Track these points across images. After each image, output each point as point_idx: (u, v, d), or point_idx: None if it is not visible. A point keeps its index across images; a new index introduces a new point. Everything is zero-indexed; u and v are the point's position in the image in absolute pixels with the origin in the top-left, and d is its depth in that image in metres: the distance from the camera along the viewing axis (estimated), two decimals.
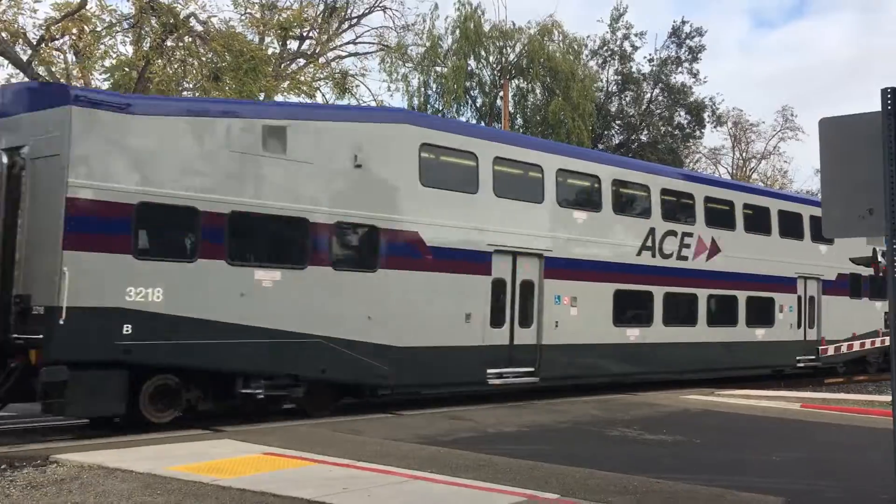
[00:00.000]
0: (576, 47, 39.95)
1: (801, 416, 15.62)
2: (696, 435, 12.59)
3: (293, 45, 35.69)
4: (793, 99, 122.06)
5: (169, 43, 28.56)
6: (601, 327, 18.36)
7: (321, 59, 35.78)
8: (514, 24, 39.09)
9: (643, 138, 44.43)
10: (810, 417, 15.35)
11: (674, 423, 13.80)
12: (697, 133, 45.66)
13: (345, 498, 7.59)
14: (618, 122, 44.84)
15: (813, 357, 24.18)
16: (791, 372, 24.21)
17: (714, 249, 21.10)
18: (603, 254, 18.51)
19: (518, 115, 39.62)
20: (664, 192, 20.20)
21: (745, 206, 22.49)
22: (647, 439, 12.06)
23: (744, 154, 59.08)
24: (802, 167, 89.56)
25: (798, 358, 23.82)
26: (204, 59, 29.54)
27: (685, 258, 20.37)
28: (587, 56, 42.64)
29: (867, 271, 23.77)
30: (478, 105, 40.49)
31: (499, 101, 39.20)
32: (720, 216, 21.65)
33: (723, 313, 21.59)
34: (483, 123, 39.32)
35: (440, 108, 37.41)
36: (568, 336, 17.51)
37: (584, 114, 36.89)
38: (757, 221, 22.68)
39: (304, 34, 35.63)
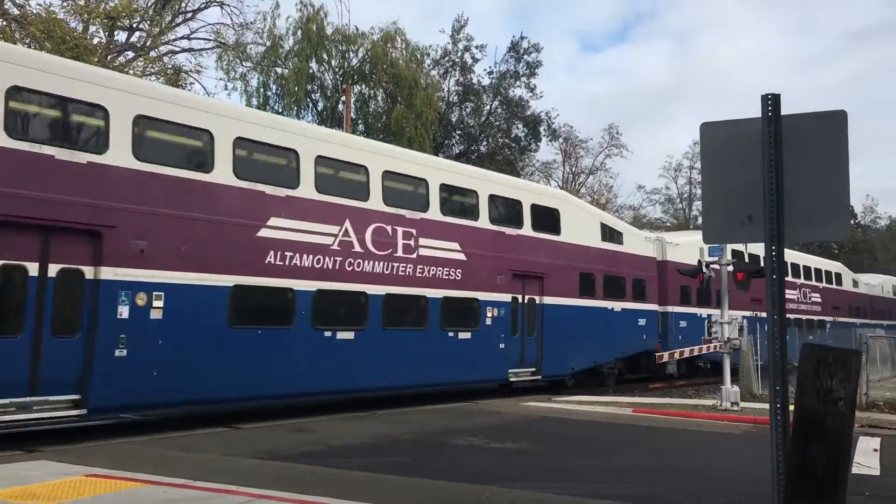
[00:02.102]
0: (418, 56, 40.09)
1: (634, 420, 16.20)
2: (539, 442, 12.70)
3: (121, 36, 33.61)
4: (615, 118, 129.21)
5: None
6: None
7: (152, 53, 33.84)
8: (357, 29, 38.73)
9: (482, 149, 45.26)
10: (642, 422, 15.94)
11: (517, 431, 13.90)
12: (533, 146, 47.08)
13: None
14: (458, 132, 45.44)
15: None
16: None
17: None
18: None
19: (360, 121, 39.23)
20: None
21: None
22: (494, 448, 12.02)
23: (573, 169, 61.57)
24: (626, 183, 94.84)
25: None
26: (20, 45, 27.11)
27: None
28: (429, 65, 42.97)
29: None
30: (319, 109, 39.77)
31: (340, 106, 38.68)
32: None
33: None
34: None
35: (280, 110, 36.35)
36: None
37: (427, 122, 37.03)
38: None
39: (134, 25, 33.60)
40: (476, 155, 44.61)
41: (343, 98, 36.97)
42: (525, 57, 45.30)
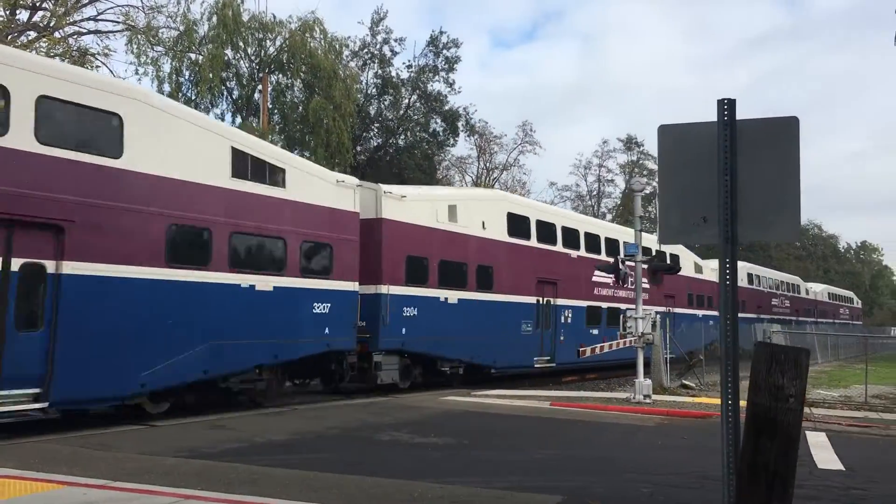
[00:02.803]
0: (337, 47, 39.61)
1: (552, 413, 16.48)
2: (463, 436, 12.76)
3: (23, 15, 32.00)
4: (525, 115, 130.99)
5: None
6: None
7: (57, 34, 32.34)
8: (274, 17, 38.00)
9: (401, 143, 45.14)
10: (561, 415, 16.23)
11: (440, 426, 13.93)
12: (451, 141, 47.21)
13: None
14: (376, 124, 45.19)
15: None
16: None
17: None
18: None
19: (276, 111, 38.53)
20: None
21: None
22: (419, 443, 12.02)
23: (488, 164, 62.04)
24: (538, 179, 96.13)
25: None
26: None
27: None
28: (348, 57, 42.58)
29: None
30: (234, 97, 38.86)
31: (257, 95, 37.89)
32: None
33: None
34: (239, 117, 37.82)
35: (193, 97, 35.35)
36: None
37: (346, 114, 36.66)
38: None
39: (37, 4, 32.06)
40: (394, 148, 44.47)
41: (259, 87, 36.26)
42: (444, 52, 45.42)
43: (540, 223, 25.74)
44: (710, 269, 38.25)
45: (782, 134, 4.70)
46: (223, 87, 37.65)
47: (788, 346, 4.35)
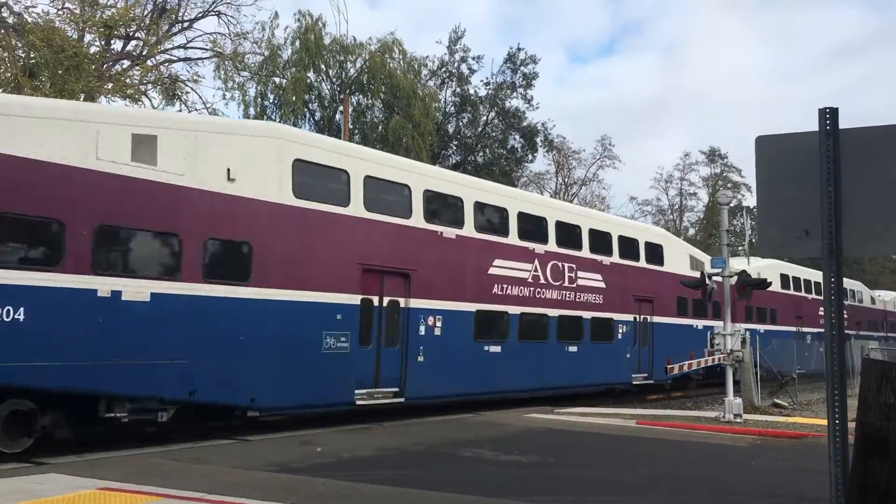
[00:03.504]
0: (416, 66, 40.16)
1: (639, 432, 16.15)
2: (548, 454, 12.62)
3: (117, 45, 33.49)
4: (603, 129, 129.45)
5: None
6: None
7: (149, 62, 33.72)
8: (354, 39, 38.78)
9: (479, 159, 45.31)
10: (648, 434, 15.90)
11: (523, 443, 13.81)
12: (530, 157, 47.15)
13: None
14: (455, 142, 45.50)
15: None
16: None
17: None
18: None
19: (357, 132, 39.22)
20: None
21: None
22: (504, 460, 11.94)
23: (566, 179, 61.67)
24: (618, 194, 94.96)
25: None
26: (19, 52, 27.02)
27: None
28: (426, 76, 43.06)
29: None
30: (316, 119, 39.72)
31: (338, 116, 38.64)
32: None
33: None
34: None
35: (278, 119, 36.29)
36: None
37: (424, 132, 37.07)
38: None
39: (130, 34, 33.51)
40: (472, 165, 44.64)
41: (341, 108, 36.98)
42: (521, 68, 45.48)
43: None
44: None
45: (888, 143, 4.54)
46: (306, 109, 38.55)
47: None
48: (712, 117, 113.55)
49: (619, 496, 9.52)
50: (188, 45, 35.63)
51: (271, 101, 37.43)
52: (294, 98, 35.94)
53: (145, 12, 33.82)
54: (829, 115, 4.57)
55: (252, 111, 36.39)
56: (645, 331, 25.30)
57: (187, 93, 33.85)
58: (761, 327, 32.52)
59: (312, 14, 37.17)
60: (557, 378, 21.46)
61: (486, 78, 46.94)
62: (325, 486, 9.19)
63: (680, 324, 27.04)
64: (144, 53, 33.66)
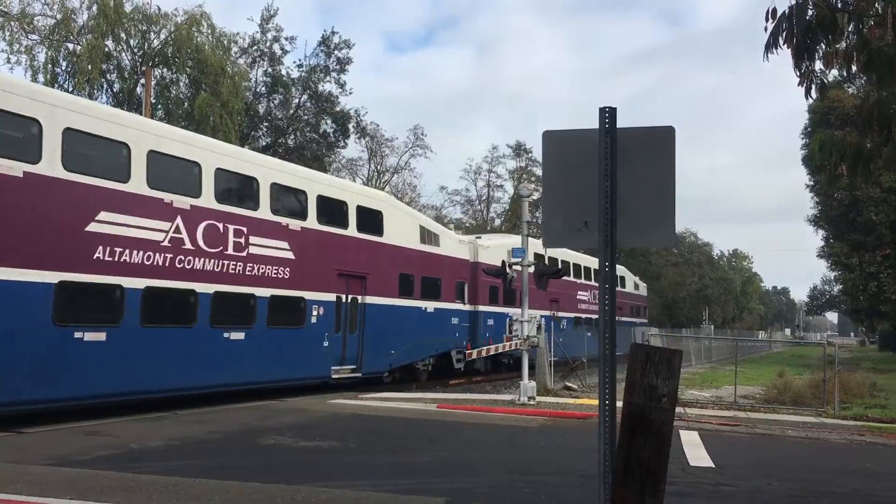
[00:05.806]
0: (225, 42, 38.76)
1: (439, 416, 16.56)
2: (350, 440, 12.66)
3: None
4: (417, 119, 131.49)
5: None
6: None
7: None
8: (159, 9, 36.82)
9: (290, 143, 44.49)
10: (448, 417, 16.34)
11: (326, 429, 13.78)
12: (342, 143, 46.89)
13: None
14: (265, 124, 44.38)
15: None
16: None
17: None
18: None
19: (160, 107, 37.28)
20: None
21: None
22: (304, 446, 11.85)
23: (378, 167, 61.91)
24: (430, 183, 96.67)
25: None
26: None
27: None
28: (237, 53, 41.66)
29: None
30: (115, 90, 37.34)
31: (139, 89, 36.54)
32: None
33: None
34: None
35: (71, 89, 33.76)
36: None
37: (233, 112, 35.86)
38: None
39: None
40: (283, 148, 43.77)
41: (142, 80, 34.99)
42: (336, 52, 45.09)
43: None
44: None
45: (659, 142, 4.91)
46: (103, 80, 36.13)
47: (663, 347, 4.55)
48: (521, 113, 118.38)
49: (412, 478, 9.72)
50: None
51: (64, 68, 34.76)
52: (90, 67, 33.52)
53: None
54: (608, 115, 4.88)
55: (41, 78, 33.63)
56: (353, 314, 21.32)
57: None
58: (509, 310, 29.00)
59: None
60: (206, 375, 16.44)
61: (299, 60, 46.21)
62: (109, 479, 8.70)
63: (403, 306, 23.57)
64: None
